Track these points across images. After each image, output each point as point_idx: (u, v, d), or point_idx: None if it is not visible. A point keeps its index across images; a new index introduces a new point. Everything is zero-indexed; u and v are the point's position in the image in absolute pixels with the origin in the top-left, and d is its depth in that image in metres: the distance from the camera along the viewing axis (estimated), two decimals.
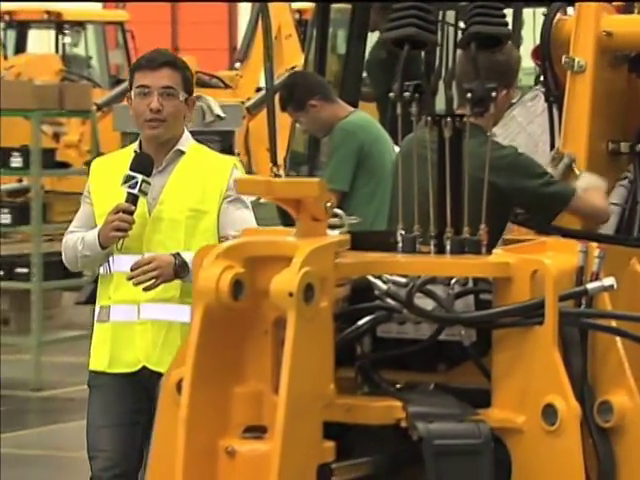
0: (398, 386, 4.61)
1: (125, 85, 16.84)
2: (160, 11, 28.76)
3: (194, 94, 6.20)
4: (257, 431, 4.36)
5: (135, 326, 6.03)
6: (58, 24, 19.65)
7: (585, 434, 4.46)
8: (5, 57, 18.09)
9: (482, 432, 4.40)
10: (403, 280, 4.60)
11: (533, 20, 9.17)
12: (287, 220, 4.91)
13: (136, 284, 5.90)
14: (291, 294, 4.20)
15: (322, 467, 4.34)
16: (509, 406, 4.48)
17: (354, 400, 4.53)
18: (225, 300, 4.29)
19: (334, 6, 9.63)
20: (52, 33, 20.14)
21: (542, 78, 6.37)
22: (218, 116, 11.70)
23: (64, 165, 14.32)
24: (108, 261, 6.04)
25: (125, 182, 5.84)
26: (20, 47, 19.46)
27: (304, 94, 7.25)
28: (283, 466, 4.17)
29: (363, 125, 6.96)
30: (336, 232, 4.66)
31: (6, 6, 19.06)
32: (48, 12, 19.66)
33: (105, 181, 6.12)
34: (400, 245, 4.70)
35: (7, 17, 19.14)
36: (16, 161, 12.87)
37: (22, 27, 19.68)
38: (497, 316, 4.52)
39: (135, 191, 5.80)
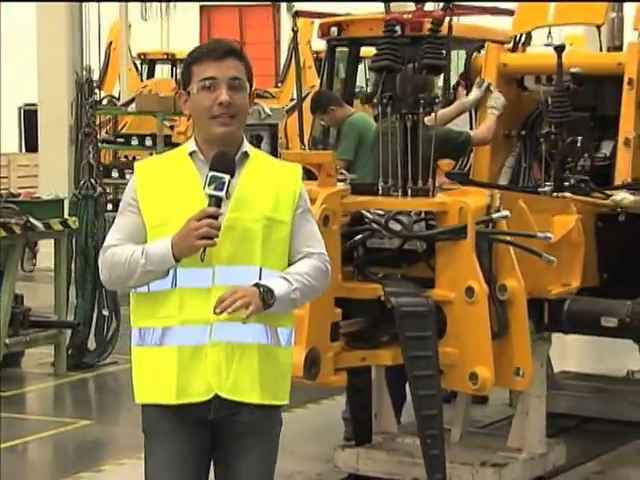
0: (379, 276, 4.63)
1: None
2: None
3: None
4: None
5: (206, 349, 3.10)
6: (173, 61, 19.76)
7: (491, 304, 4.47)
8: (142, 80, 18.26)
9: (429, 303, 4.41)
10: (382, 213, 4.62)
11: (457, 57, 9.09)
12: (310, 176, 4.88)
13: (230, 312, 3.04)
14: None
15: (334, 324, 4.37)
16: (445, 288, 4.48)
17: (353, 284, 4.54)
18: None
19: (338, 49, 9.59)
20: (169, 66, 20.22)
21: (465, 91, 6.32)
22: (268, 114, 11.73)
23: (176, 144, 14.23)
24: (175, 276, 3.13)
25: (209, 184, 3.09)
26: (150, 74, 19.56)
27: (326, 103, 7.13)
28: (311, 323, 4.17)
29: (361, 120, 6.89)
30: (341, 184, 4.66)
31: (142, 49, 19.38)
32: (166, 54, 19.89)
33: (154, 189, 3.21)
34: (380, 191, 4.70)
35: (142, 56, 19.46)
36: (148, 142, 12.97)
37: (151, 62, 19.82)
38: (439, 234, 4.53)
39: (222, 193, 3.08)
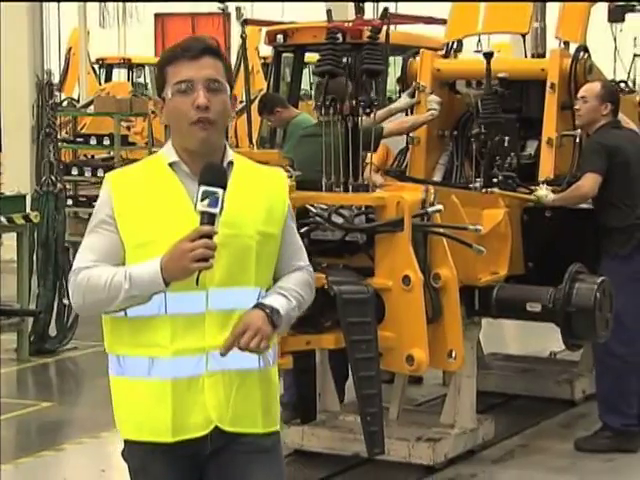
0: (323, 265, 4.61)
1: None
2: None
3: None
4: None
5: (203, 379, 2.58)
6: (129, 65, 19.61)
7: (425, 291, 4.48)
8: (100, 84, 18.09)
9: (369, 291, 4.40)
10: (325, 207, 4.61)
11: (393, 62, 9.11)
12: None
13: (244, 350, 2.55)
14: None
15: None
16: (384, 276, 4.48)
17: None
18: None
19: (283, 55, 9.57)
20: (125, 71, 20.05)
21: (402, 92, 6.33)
22: None
23: (133, 144, 14.10)
24: (164, 301, 2.58)
25: (202, 200, 2.50)
26: (108, 78, 19.38)
27: (272, 105, 7.09)
28: None
29: (305, 121, 6.86)
30: (288, 180, 4.62)
31: (100, 55, 19.20)
32: (124, 59, 19.74)
33: (134, 204, 2.61)
34: (323, 187, 4.68)
35: (100, 61, 19.29)
36: (106, 141, 12.79)
37: (109, 67, 19.65)
38: (378, 227, 4.53)
39: (217, 210, 2.49)
